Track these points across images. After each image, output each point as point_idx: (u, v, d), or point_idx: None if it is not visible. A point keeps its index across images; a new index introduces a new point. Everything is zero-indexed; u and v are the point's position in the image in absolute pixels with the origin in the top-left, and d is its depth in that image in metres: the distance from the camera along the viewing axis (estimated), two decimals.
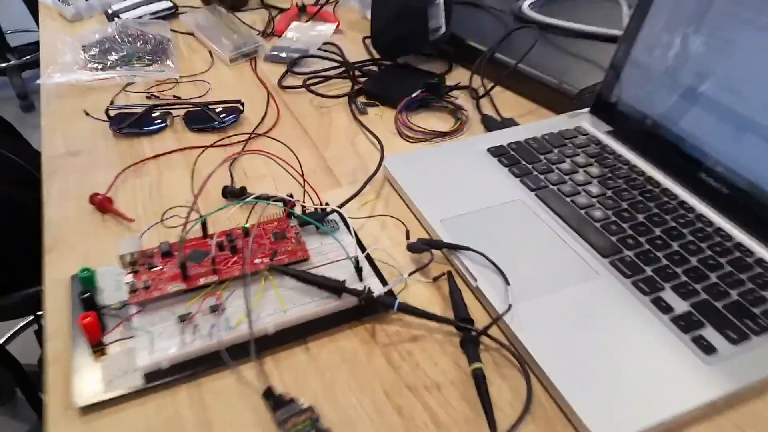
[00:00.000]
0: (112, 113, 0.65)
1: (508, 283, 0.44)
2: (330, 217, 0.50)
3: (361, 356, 0.42)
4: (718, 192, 0.52)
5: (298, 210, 0.50)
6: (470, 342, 0.41)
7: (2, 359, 1.02)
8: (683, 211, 0.51)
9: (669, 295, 0.44)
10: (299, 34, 0.84)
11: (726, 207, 0.51)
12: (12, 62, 2.36)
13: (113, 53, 0.78)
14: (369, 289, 0.43)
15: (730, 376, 0.38)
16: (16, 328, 1.48)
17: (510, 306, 0.42)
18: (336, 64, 0.77)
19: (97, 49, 0.78)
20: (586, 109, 0.65)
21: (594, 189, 0.54)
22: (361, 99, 0.70)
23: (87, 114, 0.67)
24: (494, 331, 0.42)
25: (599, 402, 0.37)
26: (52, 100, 0.70)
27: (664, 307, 0.43)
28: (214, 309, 0.42)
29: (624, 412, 0.37)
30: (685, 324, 0.42)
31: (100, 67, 0.76)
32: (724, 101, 0.51)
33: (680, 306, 0.43)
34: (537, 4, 0.82)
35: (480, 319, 0.44)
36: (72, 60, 0.77)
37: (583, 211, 0.51)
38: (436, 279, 0.47)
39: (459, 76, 0.75)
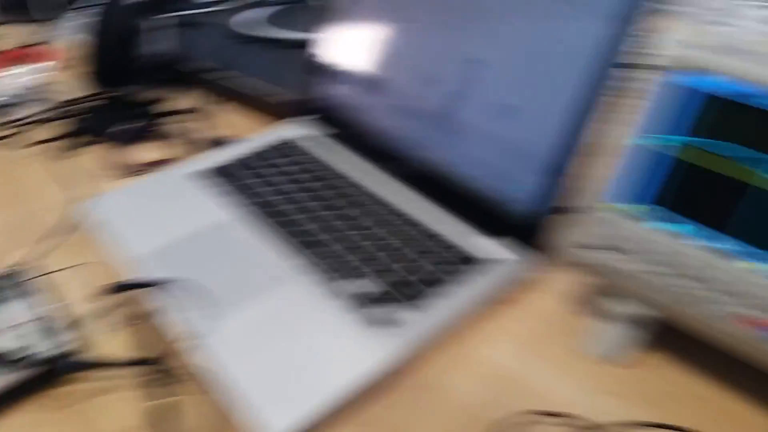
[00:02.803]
0: None
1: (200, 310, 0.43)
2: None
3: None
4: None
5: None
6: (150, 380, 0.40)
7: None
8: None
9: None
10: (9, 79, 0.77)
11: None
12: None
13: None
14: (30, 355, 0.40)
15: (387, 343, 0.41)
16: None
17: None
18: (48, 107, 0.71)
19: None
20: (312, 116, 0.66)
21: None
22: (72, 140, 0.65)
23: None
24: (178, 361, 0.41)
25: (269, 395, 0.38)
26: None
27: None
28: None
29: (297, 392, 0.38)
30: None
31: None
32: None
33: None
34: (255, 20, 0.82)
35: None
36: None
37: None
38: (132, 322, 0.45)
39: (182, 100, 0.73)
